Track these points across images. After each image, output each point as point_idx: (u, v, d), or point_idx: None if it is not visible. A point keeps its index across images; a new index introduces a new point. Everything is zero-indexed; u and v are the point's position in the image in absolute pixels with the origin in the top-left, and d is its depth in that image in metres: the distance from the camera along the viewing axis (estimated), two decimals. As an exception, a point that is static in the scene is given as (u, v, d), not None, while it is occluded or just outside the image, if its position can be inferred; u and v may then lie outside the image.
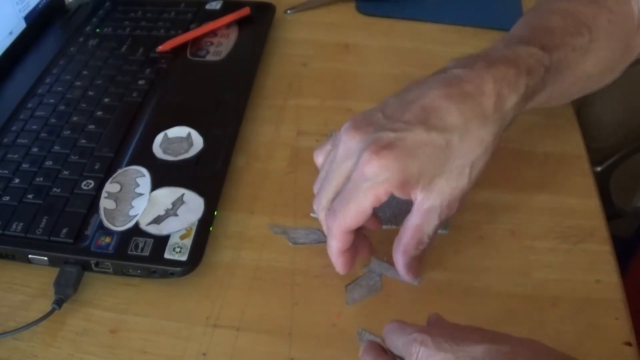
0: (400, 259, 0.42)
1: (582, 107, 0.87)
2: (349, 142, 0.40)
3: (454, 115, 0.39)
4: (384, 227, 0.49)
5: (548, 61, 0.42)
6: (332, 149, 0.43)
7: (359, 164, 0.39)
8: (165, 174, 0.50)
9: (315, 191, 0.44)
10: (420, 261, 0.43)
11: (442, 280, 0.46)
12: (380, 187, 0.38)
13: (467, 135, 0.39)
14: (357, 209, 0.39)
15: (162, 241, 0.45)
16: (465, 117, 0.39)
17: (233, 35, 0.68)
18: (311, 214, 0.50)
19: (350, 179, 0.40)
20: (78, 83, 0.61)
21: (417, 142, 0.38)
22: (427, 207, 0.40)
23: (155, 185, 0.49)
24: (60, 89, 0.60)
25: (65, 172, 0.51)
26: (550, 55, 0.43)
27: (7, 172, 0.51)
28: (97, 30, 0.69)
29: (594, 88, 0.52)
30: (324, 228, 0.43)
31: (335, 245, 0.42)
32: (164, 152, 0.53)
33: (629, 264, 0.83)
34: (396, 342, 0.34)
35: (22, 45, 0.66)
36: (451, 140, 0.38)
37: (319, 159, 0.45)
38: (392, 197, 0.50)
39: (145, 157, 0.52)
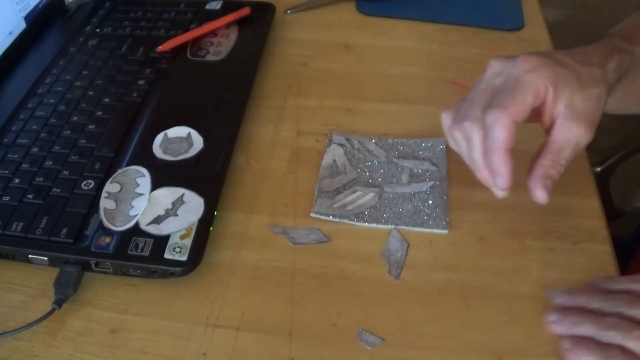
0: (538, 173, 0.43)
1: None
2: (496, 65, 0.44)
3: (575, 56, 0.44)
4: (385, 226, 0.49)
5: (632, 50, 0.47)
6: (466, 98, 0.45)
7: (518, 63, 0.42)
8: (165, 174, 0.50)
9: (447, 123, 0.45)
10: (553, 183, 0.43)
11: (442, 280, 0.46)
12: (540, 80, 0.41)
13: (591, 72, 0.43)
14: (523, 99, 0.41)
15: (162, 241, 0.45)
16: (584, 60, 0.44)
17: (233, 35, 0.68)
18: (311, 214, 0.50)
19: (511, 77, 0.42)
20: (78, 83, 0.61)
21: (560, 58, 0.43)
22: (568, 121, 0.42)
23: (155, 185, 0.49)
24: (60, 89, 0.60)
25: (65, 172, 0.51)
26: (632, 46, 0.47)
27: (7, 172, 0.51)
28: (97, 30, 0.69)
29: None
30: (475, 137, 0.43)
31: (503, 137, 0.41)
32: (164, 152, 0.53)
33: (629, 264, 0.83)
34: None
35: (22, 45, 0.66)
36: (581, 69, 0.43)
37: (447, 119, 0.46)
38: (393, 196, 0.51)
39: (145, 157, 0.52)
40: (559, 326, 0.41)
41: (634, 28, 0.50)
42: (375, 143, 0.56)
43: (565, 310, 0.42)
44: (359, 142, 0.56)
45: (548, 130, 0.44)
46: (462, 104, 0.45)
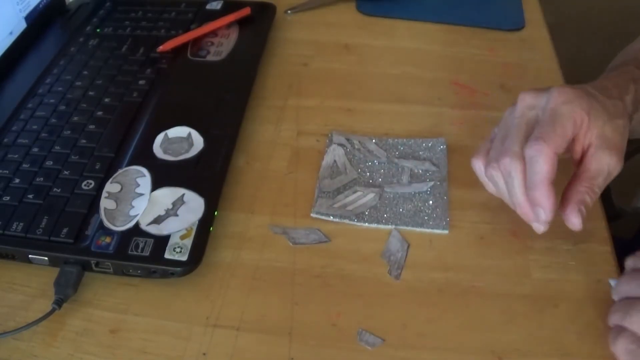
0: (575, 199, 0.43)
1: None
2: (528, 99, 0.44)
3: (598, 89, 0.45)
4: (386, 227, 0.49)
5: None
6: (495, 137, 0.46)
7: (552, 96, 0.43)
8: (165, 174, 0.50)
9: (480, 167, 0.46)
10: (587, 211, 0.44)
11: (442, 280, 0.46)
12: (577, 111, 0.42)
13: (615, 104, 0.45)
14: (563, 130, 0.42)
15: (162, 241, 0.45)
16: (607, 94, 0.45)
17: (233, 35, 0.68)
18: (311, 215, 0.50)
19: (548, 110, 0.43)
20: (78, 83, 0.61)
21: (589, 90, 0.44)
22: (600, 151, 0.43)
23: (155, 185, 0.49)
24: (60, 89, 0.60)
25: (66, 172, 0.51)
26: None
27: (7, 172, 0.51)
28: (98, 30, 0.69)
29: None
30: (516, 172, 0.43)
31: (546, 170, 0.41)
32: (165, 152, 0.53)
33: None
34: None
35: (23, 45, 0.66)
36: (607, 102, 0.44)
37: (479, 162, 0.46)
38: (394, 196, 0.51)
39: (145, 157, 0.52)
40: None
41: None
42: (375, 143, 0.56)
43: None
44: (359, 142, 0.56)
45: (578, 161, 0.45)
46: (494, 143, 0.45)
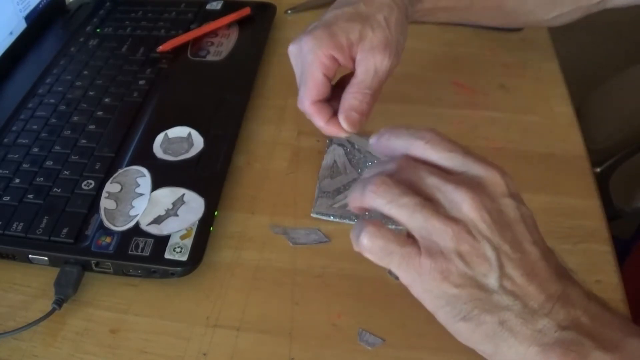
0: (342, 107, 0.48)
1: (582, 108, 0.87)
2: (292, 50, 0.49)
3: (350, 6, 0.48)
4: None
5: None
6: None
7: (301, 48, 0.47)
8: (165, 174, 0.50)
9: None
10: (361, 115, 0.48)
11: (442, 280, 0.45)
12: (320, 53, 0.46)
13: (371, 2, 0.48)
14: (313, 79, 0.47)
15: (162, 241, 0.45)
16: (360, 2, 0.48)
17: (234, 35, 0.68)
18: (311, 215, 0.50)
19: (299, 64, 0.48)
20: (78, 83, 0.61)
21: (332, 17, 0.48)
22: (364, 59, 0.47)
23: (155, 185, 0.49)
24: (60, 89, 0.60)
25: (66, 172, 0.51)
26: None
27: (7, 172, 0.51)
28: (98, 30, 0.69)
29: (539, 18, 0.57)
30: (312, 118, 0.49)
31: (318, 121, 0.48)
32: (165, 152, 0.53)
33: (628, 264, 0.83)
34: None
35: (23, 45, 0.66)
36: (358, 7, 0.47)
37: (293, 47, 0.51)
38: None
39: (145, 157, 0.52)
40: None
41: None
42: None
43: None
44: (359, 142, 0.56)
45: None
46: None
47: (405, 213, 0.35)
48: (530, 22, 0.60)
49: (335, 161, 0.54)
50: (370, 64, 0.47)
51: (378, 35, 0.47)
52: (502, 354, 0.35)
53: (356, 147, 0.54)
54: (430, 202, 0.35)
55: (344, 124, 0.47)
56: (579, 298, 0.35)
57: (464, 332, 0.35)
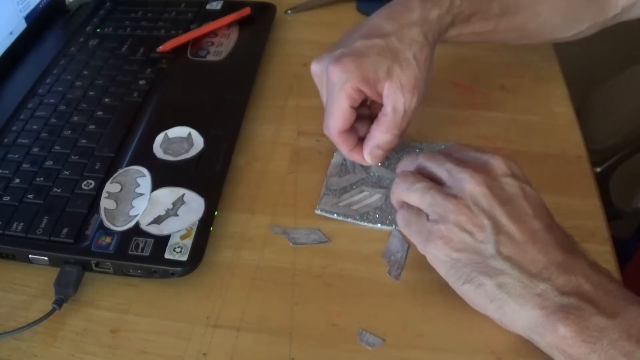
0: (368, 144, 0.50)
1: (582, 108, 0.87)
2: (316, 71, 0.51)
3: (388, 25, 0.49)
4: (388, 227, 0.49)
5: None
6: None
7: (327, 77, 0.48)
8: (165, 174, 0.50)
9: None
10: (386, 152, 0.50)
11: (443, 280, 0.45)
12: (348, 86, 0.47)
13: (402, 36, 0.48)
14: (340, 111, 0.48)
15: (162, 241, 0.45)
16: (397, 25, 0.49)
17: (234, 35, 0.68)
18: (316, 211, 0.50)
19: (327, 93, 0.49)
20: (78, 83, 0.61)
21: (363, 47, 0.48)
22: (391, 95, 0.47)
23: (155, 185, 0.49)
24: (60, 89, 0.60)
25: (66, 172, 0.51)
26: None
27: (7, 172, 0.51)
28: (98, 30, 0.69)
29: (558, 36, 0.58)
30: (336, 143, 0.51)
31: (344, 148, 0.51)
32: (165, 152, 0.53)
33: (628, 264, 0.83)
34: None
35: (23, 45, 0.66)
36: (390, 41, 0.48)
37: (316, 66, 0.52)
38: (382, 199, 0.51)
39: (145, 157, 0.52)
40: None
41: None
42: None
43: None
44: None
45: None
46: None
47: (418, 195, 0.42)
48: (550, 40, 0.60)
49: (344, 160, 0.54)
50: (398, 104, 0.47)
51: (407, 73, 0.47)
52: (508, 318, 0.39)
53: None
54: (438, 185, 0.41)
55: (368, 159, 0.51)
56: (581, 267, 0.38)
57: (468, 294, 0.40)
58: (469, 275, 0.39)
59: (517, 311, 0.38)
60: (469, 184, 0.40)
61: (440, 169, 0.42)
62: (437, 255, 0.40)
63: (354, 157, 0.51)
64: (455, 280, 0.40)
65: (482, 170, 0.41)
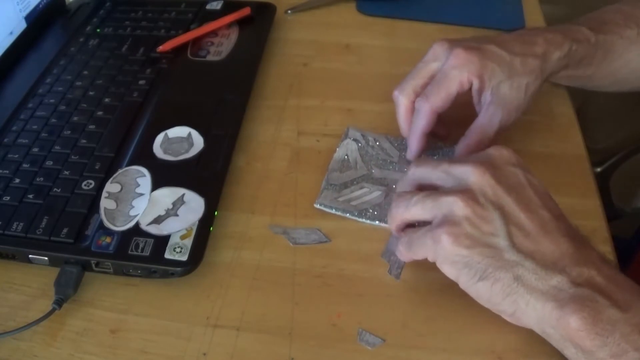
0: (462, 152, 0.50)
1: (582, 108, 0.87)
2: (438, 48, 0.50)
3: (517, 47, 0.50)
4: (386, 225, 0.49)
5: (594, 39, 0.53)
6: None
7: (450, 57, 0.49)
8: (165, 174, 0.50)
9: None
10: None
11: (443, 280, 0.45)
12: (465, 74, 0.48)
13: (526, 63, 0.49)
14: (447, 91, 0.49)
15: (162, 241, 0.45)
16: (525, 51, 0.50)
17: (234, 35, 0.68)
18: (315, 205, 0.50)
19: (441, 70, 0.49)
20: (78, 83, 0.61)
21: (493, 51, 0.49)
22: (493, 107, 0.49)
23: (155, 185, 0.49)
24: (60, 89, 0.60)
25: (66, 172, 0.51)
26: (597, 35, 0.53)
27: (7, 172, 0.51)
28: (98, 30, 0.69)
29: None
30: (400, 109, 0.52)
31: (421, 124, 0.50)
32: (165, 152, 0.53)
33: (629, 264, 0.83)
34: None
35: (23, 45, 0.66)
36: (515, 60, 0.49)
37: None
38: (382, 196, 0.50)
39: (145, 157, 0.52)
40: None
41: (602, 18, 0.56)
42: (390, 142, 0.55)
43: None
44: (374, 139, 0.56)
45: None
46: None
47: (419, 207, 0.41)
48: (637, 88, 0.61)
49: (347, 155, 0.54)
50: (496, 117, 0.49)
51: (514, 95, 0.49)
52: (521, 312, 0.37)
53: (370, 144, 0.54)
54: (435, 191, 0.41)
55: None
56: (592, 259, 0.37)
57: (484, 292, 0.38)
58: (484, 272, 0.37)
59: (532, 304, 0.37)
60: (473, 176, 0.39)
61: (436, 173, 0.42)
62: (448, 257, 0.38)
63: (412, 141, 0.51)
64: (469, 279, 0.38)
65: (485, 161, 0.40)
